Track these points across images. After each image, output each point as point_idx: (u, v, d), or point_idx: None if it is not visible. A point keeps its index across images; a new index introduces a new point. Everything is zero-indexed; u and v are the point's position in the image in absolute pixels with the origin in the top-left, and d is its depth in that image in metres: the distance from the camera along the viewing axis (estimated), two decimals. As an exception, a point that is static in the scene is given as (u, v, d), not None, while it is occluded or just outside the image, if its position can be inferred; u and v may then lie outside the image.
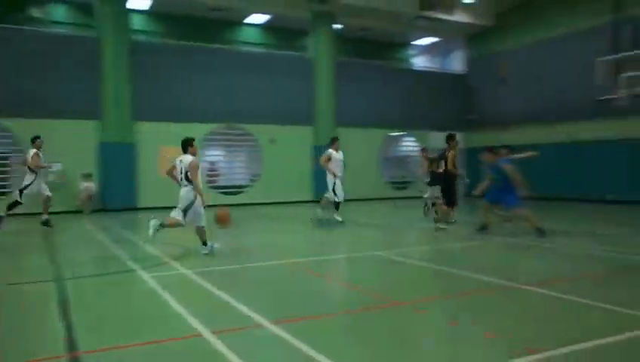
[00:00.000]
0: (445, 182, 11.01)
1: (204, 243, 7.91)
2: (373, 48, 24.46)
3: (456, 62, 25.03)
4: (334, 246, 9.64)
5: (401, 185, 22.64)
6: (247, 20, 21.92)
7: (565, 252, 8.11)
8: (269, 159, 19.39)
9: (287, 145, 19.60)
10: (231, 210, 8.90)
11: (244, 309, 4.85)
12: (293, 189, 19.47)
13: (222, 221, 8.32)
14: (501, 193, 9.66)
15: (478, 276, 6.25)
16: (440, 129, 22.54)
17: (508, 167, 9.56)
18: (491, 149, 10.21)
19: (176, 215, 7.73)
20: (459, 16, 21.38)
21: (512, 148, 11.03)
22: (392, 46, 25.85)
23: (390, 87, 22.01)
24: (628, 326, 4.20)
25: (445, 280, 6.37)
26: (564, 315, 4.72)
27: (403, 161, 23.27)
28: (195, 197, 7.71)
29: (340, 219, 11.84)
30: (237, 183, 19.82)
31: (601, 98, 15.15)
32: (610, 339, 3.92)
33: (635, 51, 14.40)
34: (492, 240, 9.25)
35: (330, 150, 11.88)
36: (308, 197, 19.74)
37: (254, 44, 22.36)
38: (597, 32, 16.82)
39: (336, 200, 11.85)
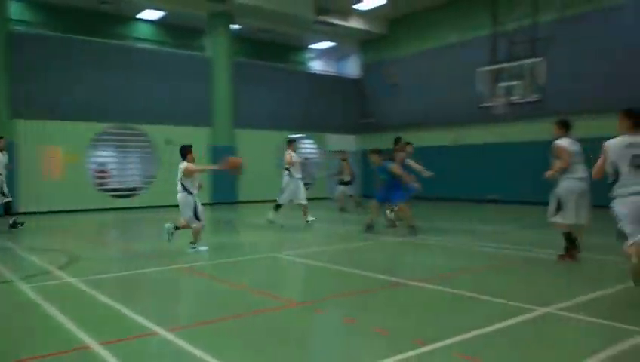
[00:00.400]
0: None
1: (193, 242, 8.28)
2: (271, 50, 24.55)
3: (352, 67, 25.83)
4: (233, 248, 9.52)
5: (300, 186, 22.86)
6: (140, 15, 21.04)
7: (451, 248, 8.69)
8: (165, 161, 18.70)
9: (184, 146, 19.01)
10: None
11: (136, 317, 4.65)
12: (190, 191, 18.93)
13: (233, 166, 8.69)
14: (389, 191, 10.13)
15: (373, 274, 6.51)
16: (338, 131, 23.23)
17: (393, 166, 10.06)
18: (377, 151, 10.50)
19: (190, 221, 8.19)
20: (353, 23, 22.08)
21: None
22: (290, 48, 26.13)
23: (289, 89, 22.19)
24: (509, 315, 4.57)
25: (342, 279, 6.54)
26: (452, 308, 5.06)
27: (301, 162, 23.50)
28: (190, 198, 8.22)
29: (271, 219, 11.79)
30: (129, 186, 18.90)
31: (482, 105, 16.33)
32: (495, 327, 4.25)
33: (510, 63, 15.69)
34: (383, 240, 9.68)
35: (290, 151, 11.86)
36: (205, 199, 19.32)
37: (148, 41, 21.51)
38: (479, 43, 18.14)
39: (279, 201, 11.88)
